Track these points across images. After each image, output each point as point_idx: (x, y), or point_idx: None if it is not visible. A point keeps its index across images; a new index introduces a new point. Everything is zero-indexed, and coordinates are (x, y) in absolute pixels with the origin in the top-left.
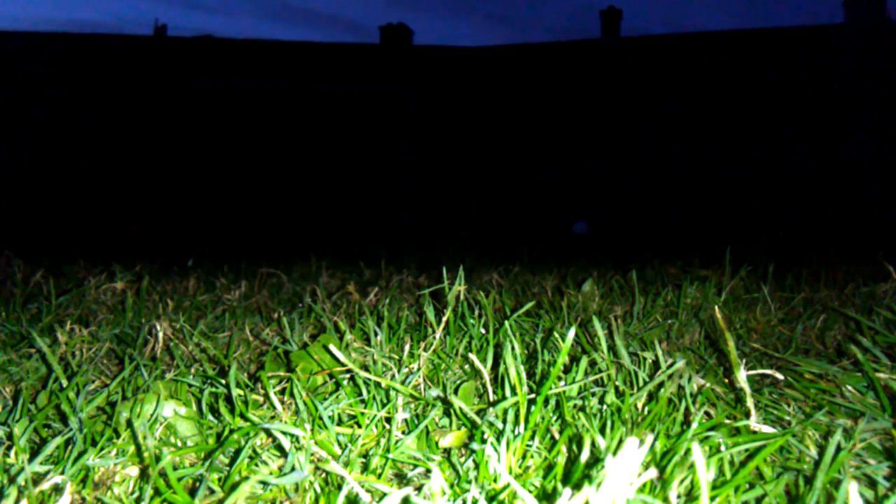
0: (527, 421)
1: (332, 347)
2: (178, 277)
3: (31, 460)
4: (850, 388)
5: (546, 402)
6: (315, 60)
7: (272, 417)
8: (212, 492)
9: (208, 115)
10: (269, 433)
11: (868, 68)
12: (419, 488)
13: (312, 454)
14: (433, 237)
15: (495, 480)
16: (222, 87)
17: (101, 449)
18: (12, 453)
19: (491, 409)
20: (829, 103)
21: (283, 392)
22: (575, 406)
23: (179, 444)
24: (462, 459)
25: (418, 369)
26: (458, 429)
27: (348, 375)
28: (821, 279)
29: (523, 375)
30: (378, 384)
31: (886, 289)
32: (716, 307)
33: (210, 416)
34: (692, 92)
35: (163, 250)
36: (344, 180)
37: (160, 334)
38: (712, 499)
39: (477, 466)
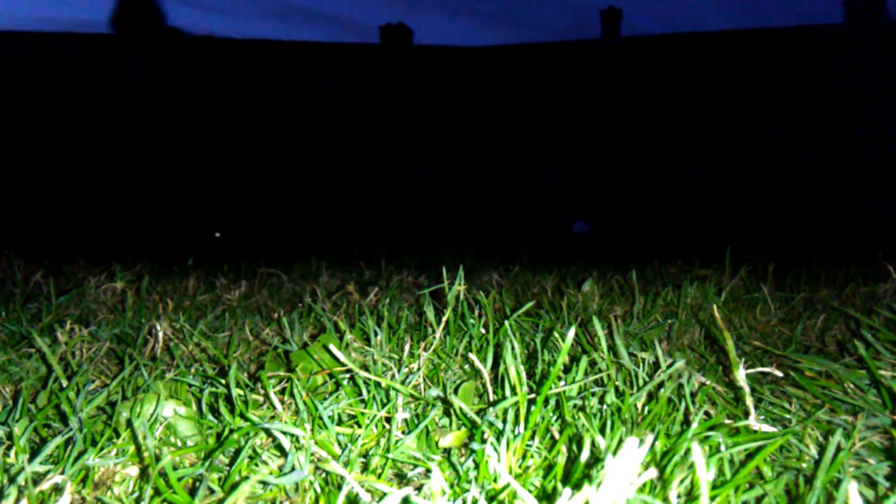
0: (527, 421)
1: (332, 347)
2: (178, 277)
3: (31, 460)
4: (851, 385)
5: (546, 401)
6: (315, 60)
7: (272, 417)
8: (212, 492)
9: (208, 115)
10: (269, 433)
11: (868, 68)
12: (419, 488)
13: (312, 454)
14: (433, 237)
15: (495, 480)
16: (222, 87)
17: (101, 449)
18: (12, 453)
19: (491, 409)
20: (829, 103)
21: (283, 392)
22: (575, 406)
23: (179, 444)
24: (462, 459)
25: (418, 369)
26: (458, 429)
27: (348, 375)
28: (821, 279)
29: (523, 375)
30: (378, 384)
31: (886, 289)
32: (715, 306)
33: (210, 416)
34: (692, 92)
35: (163, 250)
36: (344, 180)
37: (160, 334)
38: (712, 499)
39: (477, 466)
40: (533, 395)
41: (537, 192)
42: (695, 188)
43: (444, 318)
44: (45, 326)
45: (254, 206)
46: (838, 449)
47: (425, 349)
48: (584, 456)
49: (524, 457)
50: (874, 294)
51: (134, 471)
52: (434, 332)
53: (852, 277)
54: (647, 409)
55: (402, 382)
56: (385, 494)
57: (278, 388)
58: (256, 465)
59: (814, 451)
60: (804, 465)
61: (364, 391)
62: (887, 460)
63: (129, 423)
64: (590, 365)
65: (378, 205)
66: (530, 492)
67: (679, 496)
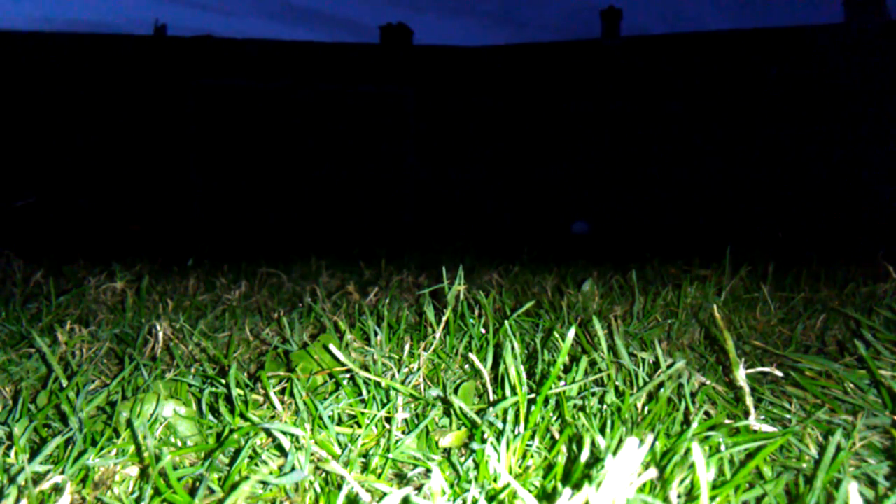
0: (527, 421)
1: (332, 347)
2: (178, 277)
3: (31, 460)
4: (851, 384)
5: (546, 401)
6: (315, 60)
7: (272, 417)
8: (212, 492)
9: (208, 115)
10: (269, 433)
11: (868, 68)
12: (419, 488)
13: (312, 454)
14: (433, 237)
15: (495, 480)
16: (222, 87)
17: (101, 449)
18: (12, 453)
19: (491, 409)
20: (829, 103)
21: (283, 392)
22: (575, 406)
23: (179, 443)
24: (462, 459)
25: (418, 369)
26: (458, 429)
27: (348, 375)
28: (821, 279)
29: (523, 375)
30: (378, 384)
31: (886, 289)
32: (715, 306)
33: (210, 416)
34: (692, 92)
35: (163, 250)
36: (343, 180)
37: (160, 334)
38: (712, 498)
39: (477, 466)
40: (533, 395)
41: (537, 192)
42: (695, 188)
43: (444, 318)
44: (45, 326)
45: (253, 205)
46: (838, 449)
47: (425, 349)
48: (584, 456)
49: (524, 457)
50: (874, 294)
51: (134, 471)
52: (434, 332)
53: (852, 277)
54: (647, 409)
55: (402, 382)
56: (385, 494)
57: (278, 388)
58: (256, 465)
59: (814, 451)
60: (804, 465)
61: (364, 391)
62: (887, 460)
63: (129, 423)
64: (590, 365)
65: (378, 205)
66: (530, 492)
67: (679, 496)
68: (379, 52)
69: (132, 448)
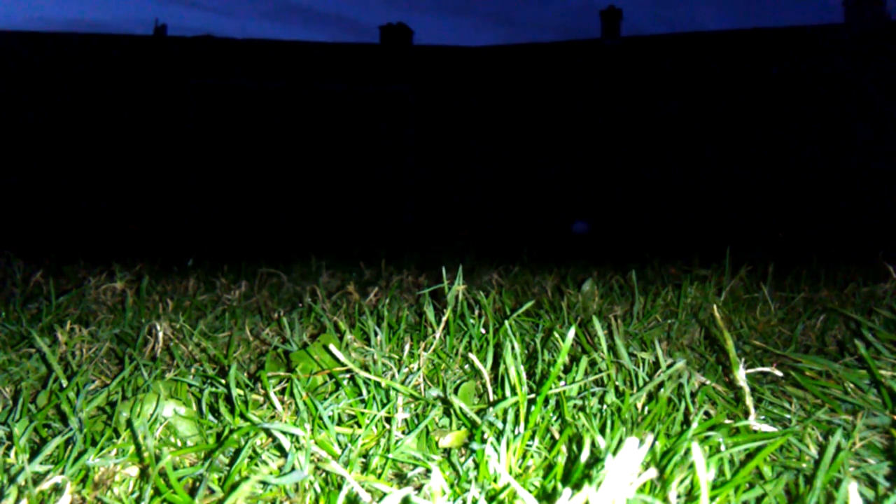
0: (527, 421)
1: (332, 347)
2: (178, 277)
3: (31, 460)
4: (851, 384)
5: (546, 401)
6: (315, 60)
7: (272, 417)
8: (212, 492)
9: (208, 115)
10: (269, 433)
11: (868, 69)
12: (419, 488)
13: (312, 454)
14: (433, 237)
15: (495, 480)
16: (222, 87)
17: (101, 449)
18: (12, 453)
19: (491, 409)
20: (829, 104)
21: (283, 392)
22: (575, 406)
23: (179, 444)
24: (462, 459)
25: (418, 369)
26: (458, 429)
27: (348, 375)
28: (821, 279)
29: (523, 375)
30: (378, 384)
31: (886, 289)
32: (715, 306)
33: (210, 416)
34: (692, 92)
35: (163, 250)
36: (344, 180)
37: (160, 334)
38: (712, 498)
39: (477, 466)
40: (533, 395)
41: (537, 192)
42: (695, 188)
43: (444, 318)
44: (45, 326)
45: (253, 205)
46: (838, 449)
47: (425, 349)
48: (584, 456)
49: (524, 457)
50: (874, 294)
51: (134, 471)
52: (434, 332)
53: (852, 277)
54: (647, 409)
55: (402, 382)
56: (385, 494)
57: (278, 388)
58: (256, 465)
59: (814, 451)
60: (804, 465)
61: (364, 391)
62: (887, 460)
63: (129, 423)
64: (590, 365)
65: (378, 205)
66: (530, 492)
67: (679, 496)
68: (379, 52)
69: (132, 448)
